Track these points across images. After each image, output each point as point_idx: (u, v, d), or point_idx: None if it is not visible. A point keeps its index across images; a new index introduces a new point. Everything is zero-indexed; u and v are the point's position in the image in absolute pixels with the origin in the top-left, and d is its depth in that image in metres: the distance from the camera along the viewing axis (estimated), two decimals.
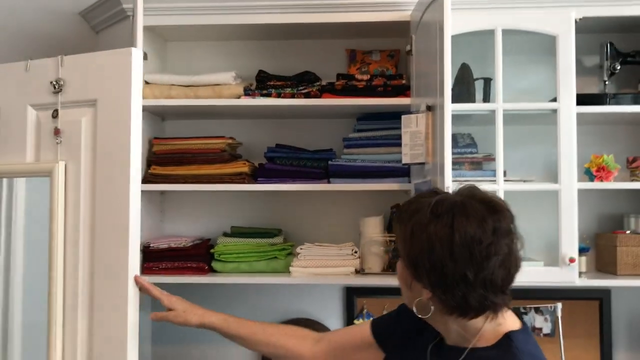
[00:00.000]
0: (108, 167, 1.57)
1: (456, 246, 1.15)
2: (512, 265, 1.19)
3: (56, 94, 1.65)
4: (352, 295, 2.48)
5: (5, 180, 1.81)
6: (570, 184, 2.04)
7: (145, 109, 2.27)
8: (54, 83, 1.64)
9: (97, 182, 1.58)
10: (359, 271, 2.25)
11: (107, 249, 1.55)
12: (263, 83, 2.30)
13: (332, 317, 2.51)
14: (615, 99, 2.20)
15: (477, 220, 1.16)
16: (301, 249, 2.27)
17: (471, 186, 1.26)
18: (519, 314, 2.35)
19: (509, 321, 1.24)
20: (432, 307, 1.21)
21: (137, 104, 1.57)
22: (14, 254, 1.81)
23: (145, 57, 2.24)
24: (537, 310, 2.40)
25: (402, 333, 1.42)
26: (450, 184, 1.67)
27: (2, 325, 1.81)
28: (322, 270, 2.23)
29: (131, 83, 1.56)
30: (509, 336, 1.21)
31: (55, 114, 1.64)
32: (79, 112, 1.63)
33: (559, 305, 2.19)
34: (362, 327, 1.51)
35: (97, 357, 1.55)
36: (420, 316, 1.24)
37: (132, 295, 1.53)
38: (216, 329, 1.62)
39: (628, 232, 2.24)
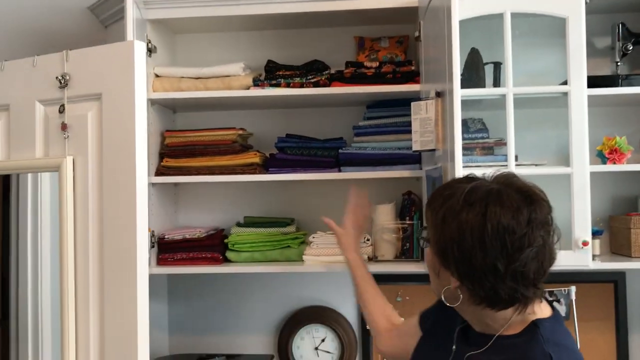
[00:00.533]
0: (114, 159, 1.59)
1: (487, 236, 1.12)
2: (545, 258, 1.16)
3: (62, 89, 1.66)
4: None
5: (29, 175, 1.84)
6: (582, 167, 2.02)
7: (156, 101, 2.31)
8: (60, 78, 1.66)
9: (104, 175, 1.60)
10: (372, 258, 2.26)
11: (116, 241, 1.57)
12: (272, 73, 2.30)
13: (347, 304, 2.53)
14: (628, 80, 2.17)
15: (512, 210, 1.13)
16: (314, 237, 2.28)
17: (509, 174, 1.23)
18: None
19: (538, 309, 1.21)
20: (461, 296, 1.19)
21: (140, 95, 1.59)
22: (41, 247, 1.84)
23: (154, 50, 2.29)
24: (551, 293, 2.39)
25: (435, 317, 1.44)
26: (461, 170, 1.67)
27: (32, 316, 1.84)
28: (335, 259, 2.24)
29: (134, 75, 1.57)
30: (536, 324, 1.19)
31: (62, 109, 1.66)
32: (85, 106, 1.64)
33: (573, 288, 2.18)
34: (415, 317, 1.55)
35: (109, 345, 1.58)
36: (448, 304, 1.23)
37: (141, 285, 1.55)
38: (349, 265, 1.88)
39: None
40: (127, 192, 1.57)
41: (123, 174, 1.58)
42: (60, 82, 1.68)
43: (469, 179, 1.24)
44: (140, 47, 1.63)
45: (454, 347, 1.30)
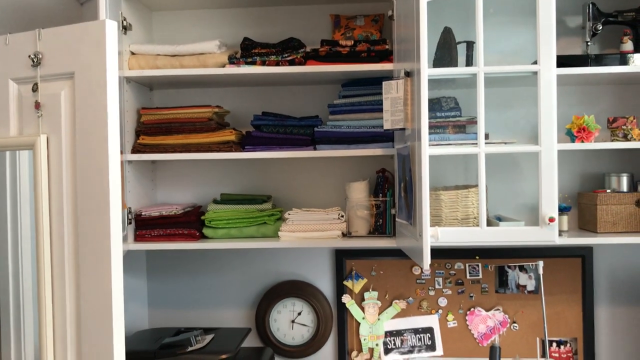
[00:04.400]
0: (87, 138, 1.61)
1: None
2: None
3: (35, 67, 1.67)
4: (341, 258, 2.54)
5: (7, 154, 1.85)
6: (550, 146, 2.06)
7: (131, 79, 2.32)
8: (33, 57, 1.66)
9: (78, 153, 1.62)
10: (346, 234, 2.31)
11: (90, 218, 1.60)
12: (248, 51, 2.31)
13: (323, 279, 2.58)
14: (597, 60, 2.21)
15: None
16: (289, 214, 2.32)
17: None
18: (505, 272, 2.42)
19: None
20: None
21: (112, 74, 1.60)
22: (21, 223, 1.86)
23: (129, 27, 2.29)
24: (521, 268, 2.46)
25: None
26: (427, 149, 1.70)
27: (13, 291, 1.87)
28: (310, 235, 2.28)
29: (106, 54, 1.59)
30: None
31: (35, 88, 1.67)
32: (58, 85, 1.65)
33: (541, 263, 2.25)
34: None
35: (85, 317, 1.62)
36: None
37: (115, 260, 1.59)
38: None
39: (609, 190, 2.28)
40: (100, 169, 1.59)
41: (96, 151, 1.60)
42: (33, 61, 1.69)
43: None
44: (111, 26, 1.63)
45: None
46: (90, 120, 1.61)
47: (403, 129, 1.94)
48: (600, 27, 2.24)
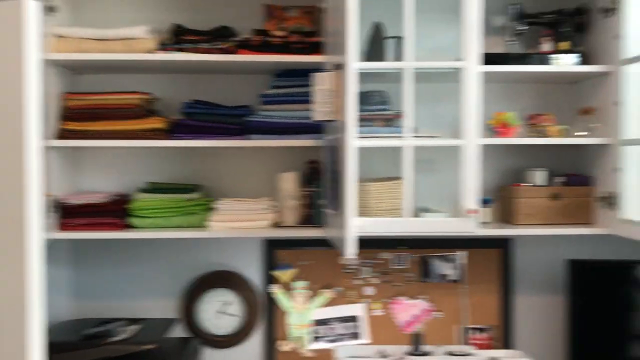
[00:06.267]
0: (3, 122, 1.56)
1: None
2: None
3: None
4: (271, 248, 2.55)
5: None
6: (472, 140, 2.13)
7: (56, 63, 2.25)
8: None
9: None
10: (276, 224, 2.32)
11: (5, 205, 1.55)
12: (178, 37, 2.29)
13: (252, 268, 2.59)
14: (519, 59, 2.30)
15: None
16: (219, 204, 2.32)
17: None
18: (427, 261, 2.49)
19: None
20: None
21: (32, 57, 1.55)
22: None
23: (55, 8, 2.22)
24: (445, 258, 2.55)
25: None
26: (353, 141, 1.73)
27: None
28: (239, 224, 2.28)
29: (23, 36, 1.53)
30: None
31: None
32: None
33: (462, 253, 2.33)
34: None
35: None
36: None
37: (33, 249, 1.54)
38: None
39: (527, 184, 2.39)
40: (16, 154, 1.54)
41: (12, 136, 1.55)
42: None
43: None
44: (32, 7, 1.58)
45: None
46: (6, 105, 1.56)
47: (332, 121, 1.96)
48: (523, 28, 2.33)
